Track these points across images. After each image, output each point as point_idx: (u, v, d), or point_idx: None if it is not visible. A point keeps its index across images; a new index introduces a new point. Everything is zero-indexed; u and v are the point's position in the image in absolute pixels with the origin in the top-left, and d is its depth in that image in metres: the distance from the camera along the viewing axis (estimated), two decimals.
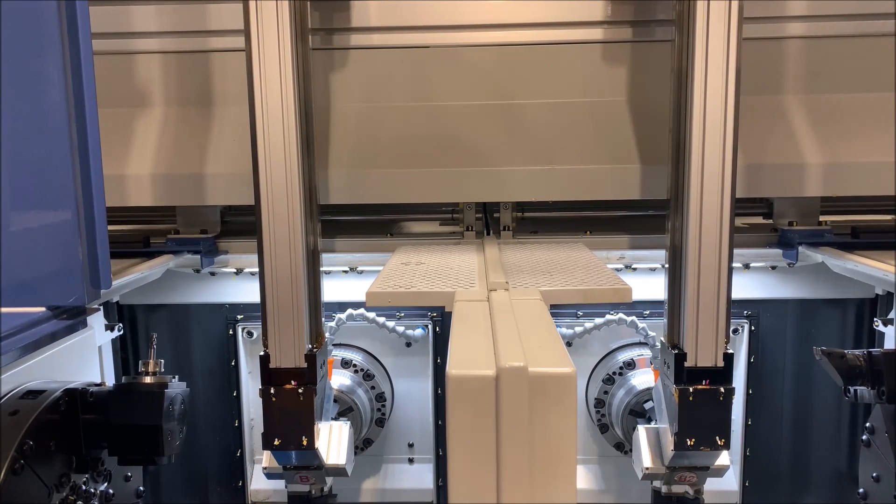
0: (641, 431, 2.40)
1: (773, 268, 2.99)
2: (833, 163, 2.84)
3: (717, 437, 2.14)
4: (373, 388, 3.01)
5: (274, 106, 2.20)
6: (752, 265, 2.99)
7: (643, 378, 2.89)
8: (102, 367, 2.50)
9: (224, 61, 2.96)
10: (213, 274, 3.06)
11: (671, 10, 2.85)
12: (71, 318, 2.01)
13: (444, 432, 2.75)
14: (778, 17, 2.90)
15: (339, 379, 2.95)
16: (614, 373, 2.97)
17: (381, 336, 3.10)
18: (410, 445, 3.22)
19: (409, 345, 3.10)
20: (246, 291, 3.08)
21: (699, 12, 2.09)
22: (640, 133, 2.95)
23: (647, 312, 2.99)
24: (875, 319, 2.83)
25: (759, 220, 3.19)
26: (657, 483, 2.40)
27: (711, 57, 2.10)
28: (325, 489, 2.60)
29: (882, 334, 2.78)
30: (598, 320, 2.94)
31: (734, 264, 2.96)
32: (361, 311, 2.91)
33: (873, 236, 2.83)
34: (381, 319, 2.97)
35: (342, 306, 2.95)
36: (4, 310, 1.68)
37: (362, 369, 3.01)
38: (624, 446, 3.02)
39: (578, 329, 2.96)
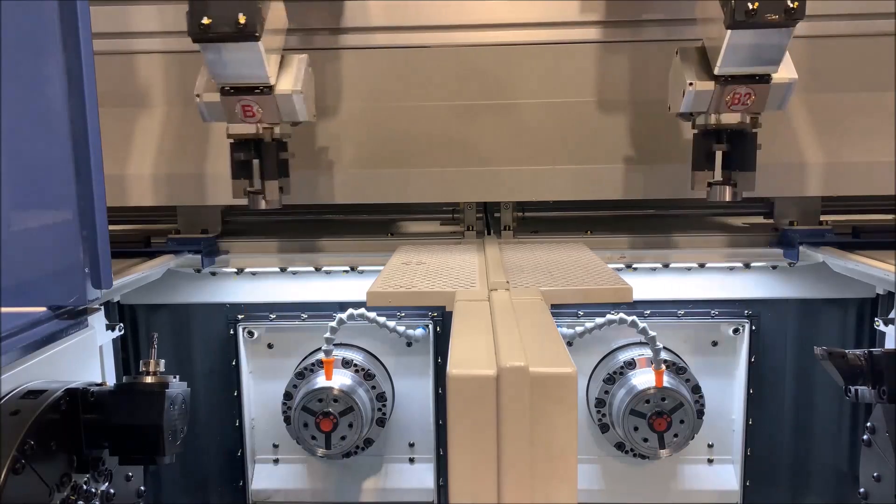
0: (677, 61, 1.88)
1: (774, 267, 2.99)
2: (833, 163, 2.84)
3: None
4: (373, 387, 3.01)
5: None
6: (752, 265, 2.99)
7: (644, 378, 2.89)
8: (103, 367, 2.50)
9: None
10: (213, 274, 3.06)
11: (669, 9, 2.87)
12: (72, 317, 2.00)
13: (445, 432, 2.75)
14: None
15: (340, 378, 2.95)
16: (615, 372, 2.97)
17: (381, 336, 3.10)
18: (411, 445, 3.22)
19: (409, 344, 3.10)
20: (247, 291, 3.08)
21: None
22: (640, 133, 2.95)
23: (648, 312, 2.99)
24: (876, 319, 2.82)
25: (760, 219, 3.20)
26: (700, 118, 1.89)
27: None
28: (277, 133, 2.16)
29: (883, 334, 2.78)
30: (599, 320, 2.93)
31: (735, 264, 2.98)
32: (362, 310, 2.91)
33: (874, 236, 2.83)
34: (382, 319, 2.96)
35: (342, 306, 2.95)
36: (6, 310, 1.68)
37: (363, 369, 3.01)
38: (624, 446, 3.02)
39: (579, 329, 2.96)
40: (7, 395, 1.73)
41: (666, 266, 2.98)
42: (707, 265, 2.98)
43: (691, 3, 2.66)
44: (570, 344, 2.99)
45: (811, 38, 2.88)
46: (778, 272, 3.00)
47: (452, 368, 1.43)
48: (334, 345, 2.95)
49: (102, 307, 2.35)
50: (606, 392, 2.98)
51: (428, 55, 2.96)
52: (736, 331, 3.04)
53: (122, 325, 2.72)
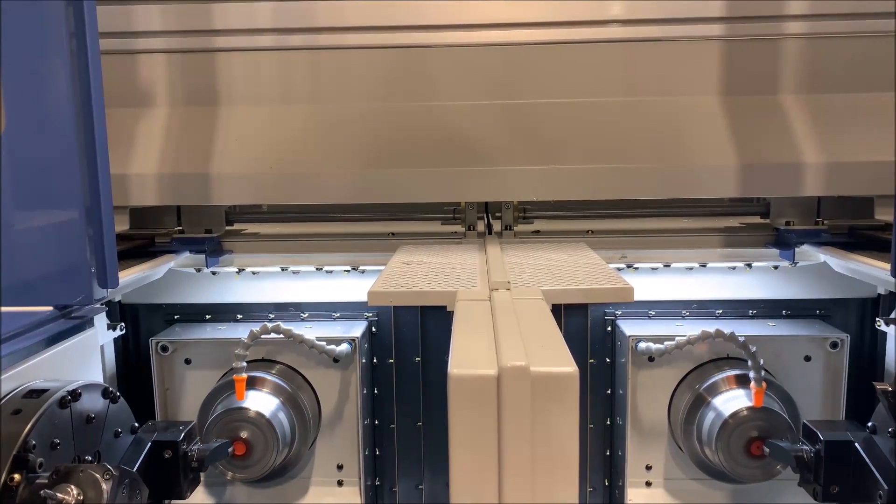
0: None
1: (776, 267, 2.99)
2: (831, 162, 2.85)
3: None
4: (297, 407, 2.64)
5: None
6: (754, 265, 2.99)
7: (736, 395, 2.51)
8: (104, 367, 2.51)
9: (229, 61, 2.97)
10: (214, 273, 3.07)
11: (670, 8, 2.88)
12: (77, 317, 2.01)
13: (373, 451, 2.66)
14: (777, 16, 2.90)
15: (257, 396, 2.56)
16: (704, 390, 2.59)
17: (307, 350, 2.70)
18: (339, 468, 2.84)
19: (336, 360, 2.72)
20: (247, 291, 3.08)
21: None
22: (641, 133, 2.96)
23: (653, 313, 2.95)
24: (877, 319, 2.82)
25: (757, 219, 3.20)
26: None
27: None
28: None
29: (884, 334, 2.78)
30: (692, 335, 2.51)
31: (736, 264, 2.98)
32: (278, 324, 2.57)
33: (871, 236, 2.84)
34: (301, 332, 2.61)
35: (346, 306, 2.95)
36: (13, 309, 1.69)
37: (282, 386, 2.65)
38: (716, 469, 2.58)
39: (669, 344, 2.57)
40: (8, 394, 1.73)
41: (667, 266, 2.98)
42: (709, 265, 2.98)
43: (693, 4, 2.67)
44: (651, 359, 2.69)
45: (810, 37, 2.88)
46: (780, 272, 3.00)
47: (453, 368, 1.44)
48: (248, 362, 2.56)
49: (107, 307, 2.36)
50: (695, 411, 2.59)
51: (430, 55, 2.97)
52: None
53: (122, 324, 2.73)
